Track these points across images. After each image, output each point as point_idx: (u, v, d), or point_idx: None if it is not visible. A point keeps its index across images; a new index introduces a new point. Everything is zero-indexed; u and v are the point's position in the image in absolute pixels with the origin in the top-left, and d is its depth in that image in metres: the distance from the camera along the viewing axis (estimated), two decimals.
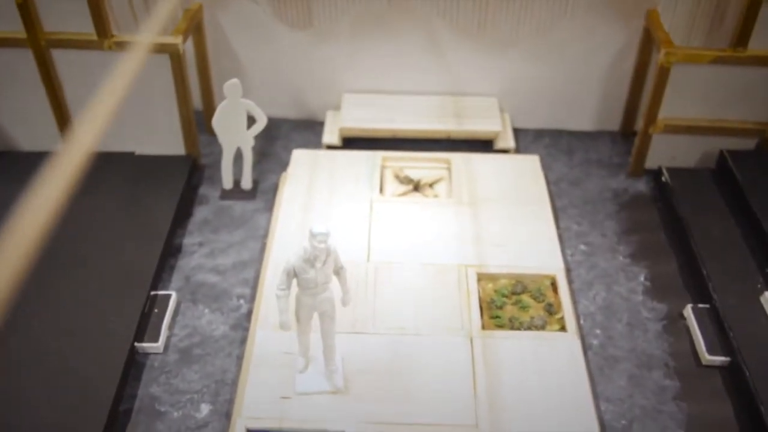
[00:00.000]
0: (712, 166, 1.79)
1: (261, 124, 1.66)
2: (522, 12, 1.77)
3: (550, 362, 1.33)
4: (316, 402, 1.25)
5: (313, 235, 1.11)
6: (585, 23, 1.82)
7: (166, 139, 1.77)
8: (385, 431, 1.21)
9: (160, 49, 1.61)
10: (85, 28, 1.61)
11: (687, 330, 1.44)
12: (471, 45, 1.88)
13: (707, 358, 1.38)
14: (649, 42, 1.80)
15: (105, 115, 0.73)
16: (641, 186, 1.81)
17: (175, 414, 1.29)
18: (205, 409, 1.30)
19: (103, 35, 1.60)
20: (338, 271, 1.20)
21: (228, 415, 1.28)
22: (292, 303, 1.20)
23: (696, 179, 1.74)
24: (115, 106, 0.75)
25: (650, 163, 1.82)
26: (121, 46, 1.61)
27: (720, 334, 1.40)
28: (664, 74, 1.65)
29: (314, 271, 1.14)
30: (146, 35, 0.88)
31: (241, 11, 1.85)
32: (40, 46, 1.61)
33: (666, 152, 1.80)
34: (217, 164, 1.78)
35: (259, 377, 1.29)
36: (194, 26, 1.74)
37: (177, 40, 1.61)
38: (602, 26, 1.82)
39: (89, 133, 0.69)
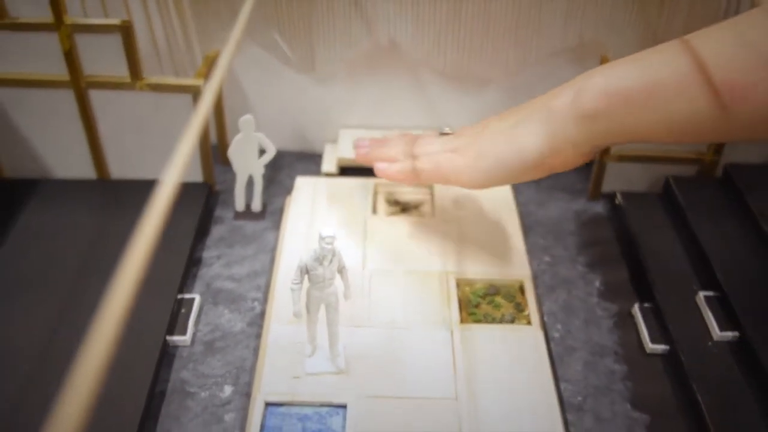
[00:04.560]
0: (659, 191, 1.98)
1: (270, 154, 1.84)
2: (494, 57, 1.97)
3: (518, 350, 1.52)
4: (322, 381, 1.42)
5: (321, 238, 1.31)
6: (548, 67, 2.02)
7: (187, 168, 1.99)
8: (379, 403, 1.38)
9: (185, 90, 1.82)
10: (118, 71, 1.80)
11: (634, 325, 1.63)
12: (451, 85, 2.07)
13: (650, 347, 1.54)
14: None
15: (189, 151, 0.93)
16: (598, 208, 2.01)
17: (203, 394, 1.47)
18: (228, 389, 1.48)
19: (136, 77, 1.82)
20: (341, 270, 1.39)
21: (248, 395, 1.45)
22: (304, 295, 1.41)
23: (645, 202, 1.92)
24: (195, 142, 0.96)
25: (606, 188, 2.00)
26: (151, 87, 1.83)
27: (661, 328, 1.58)
28: None
29: (322, 269, 1.34)
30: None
31: (252, 56, 2.03)
32: (81, 88, 1.82)
33: (619, 179, 1.99)
34: (230, 190, 1.97)
35: (274, 362, 1.47)
36: (212, 70, 1.97)
37: (199, 82, 1.82)
38: (563, 70, 2.01)
39: (178, 169, 0.88)
